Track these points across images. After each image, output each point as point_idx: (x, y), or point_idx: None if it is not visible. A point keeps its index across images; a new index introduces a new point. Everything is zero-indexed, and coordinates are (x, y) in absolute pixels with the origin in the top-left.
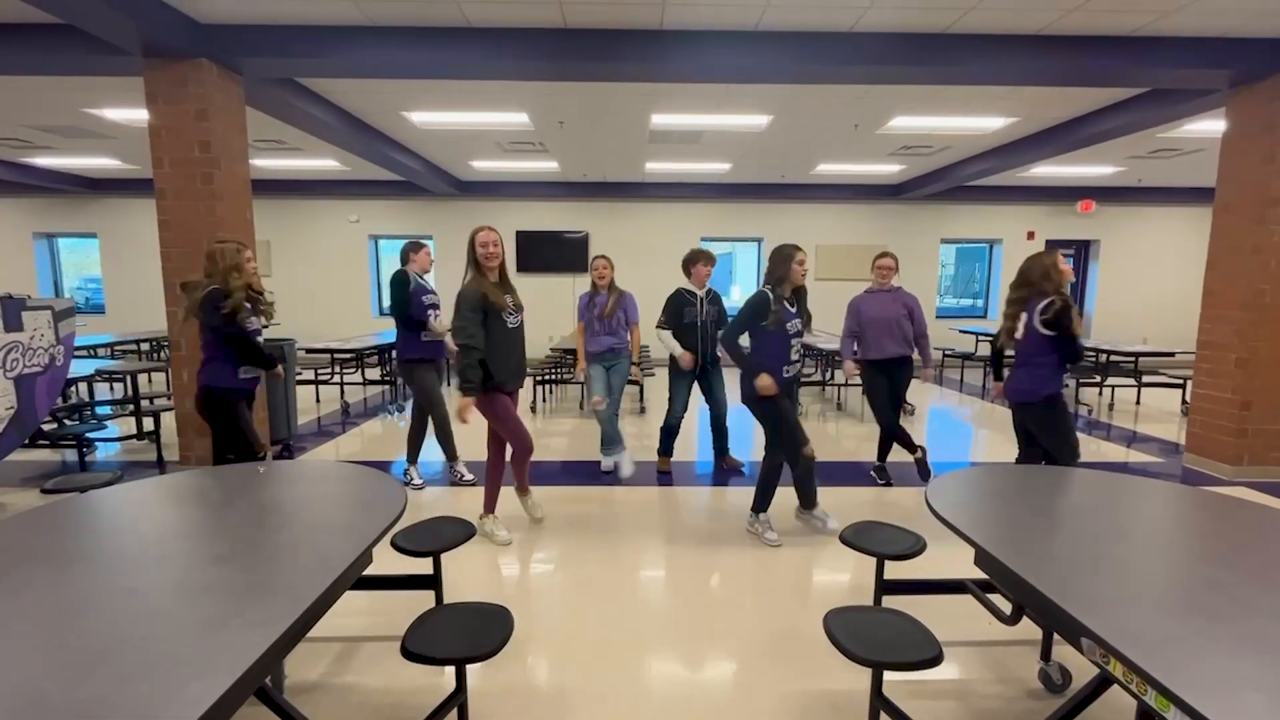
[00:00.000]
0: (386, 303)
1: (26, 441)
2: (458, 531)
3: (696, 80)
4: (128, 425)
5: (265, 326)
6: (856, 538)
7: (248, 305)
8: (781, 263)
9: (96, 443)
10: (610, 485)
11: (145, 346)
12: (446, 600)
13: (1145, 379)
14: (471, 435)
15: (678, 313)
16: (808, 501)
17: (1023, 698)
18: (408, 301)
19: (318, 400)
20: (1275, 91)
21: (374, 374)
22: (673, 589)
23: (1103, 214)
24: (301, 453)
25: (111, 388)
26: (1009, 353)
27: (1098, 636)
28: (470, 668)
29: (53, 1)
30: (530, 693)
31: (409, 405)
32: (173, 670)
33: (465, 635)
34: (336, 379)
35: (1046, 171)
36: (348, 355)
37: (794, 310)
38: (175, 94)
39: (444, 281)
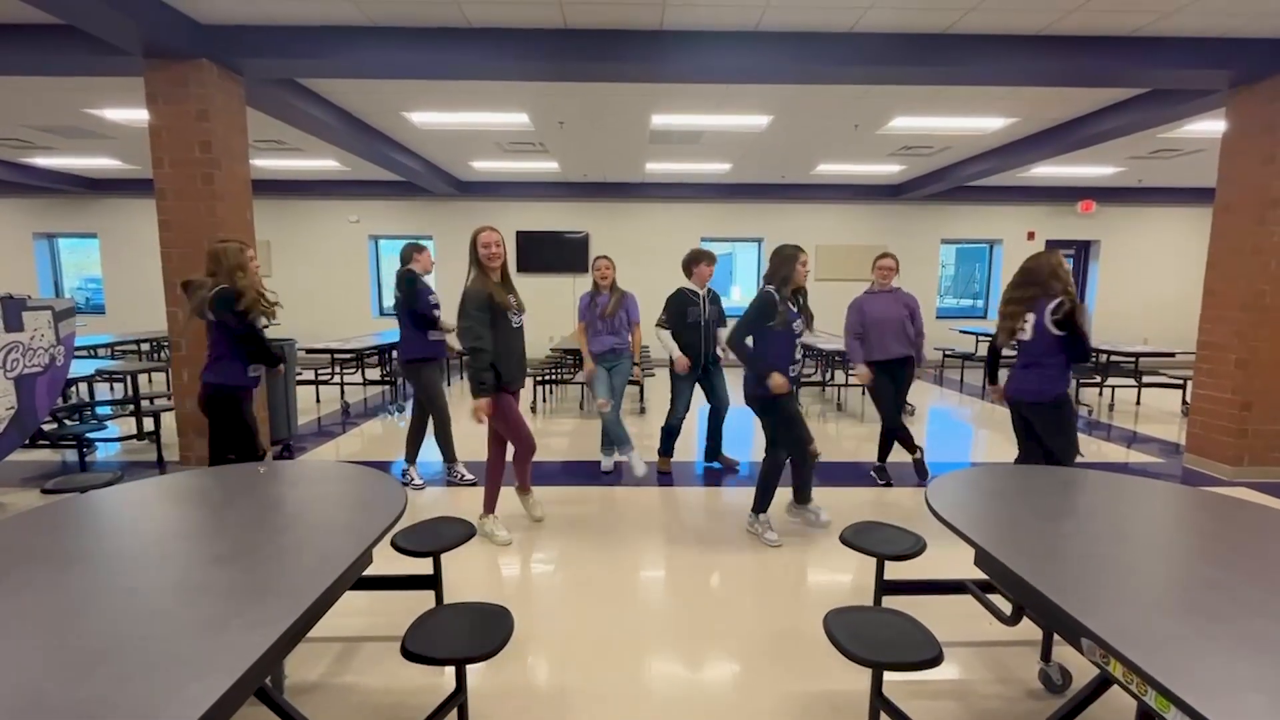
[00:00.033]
0: (389, 302)
1: (27, 441)
2: (458, 531)
3: (697, 80)
4: (128, 425)
5: (266, 326)
6: (856, 538)
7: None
8: (786, 263)
9: (97, 443)
10: (610, 485)
11: (145, 347)
12: (446, 600)
13: (1145, 379)
14: (471, 436)
15: (681, 312)
16: (804, 496)
17: (1023, 698)
18: (418, 296)
19: (318, 400)
20: (1275, 92)
21: (374, 374)
22: (673, 589)
23: (1103, 214)
24: (301, 453)
25: (112, 388)
26: (1006, 353)
27: (1098, 637)
28: (470, 668)
29: (53, 2)
30: (530, 693)
31: (409, 405)
32: (173, 670)
33: (465, 635)
34: (336, 379)
35: (1047, 172)
36: (348, 355)
37: (796, 310)
38: (176, 94)
39: (444, 282)
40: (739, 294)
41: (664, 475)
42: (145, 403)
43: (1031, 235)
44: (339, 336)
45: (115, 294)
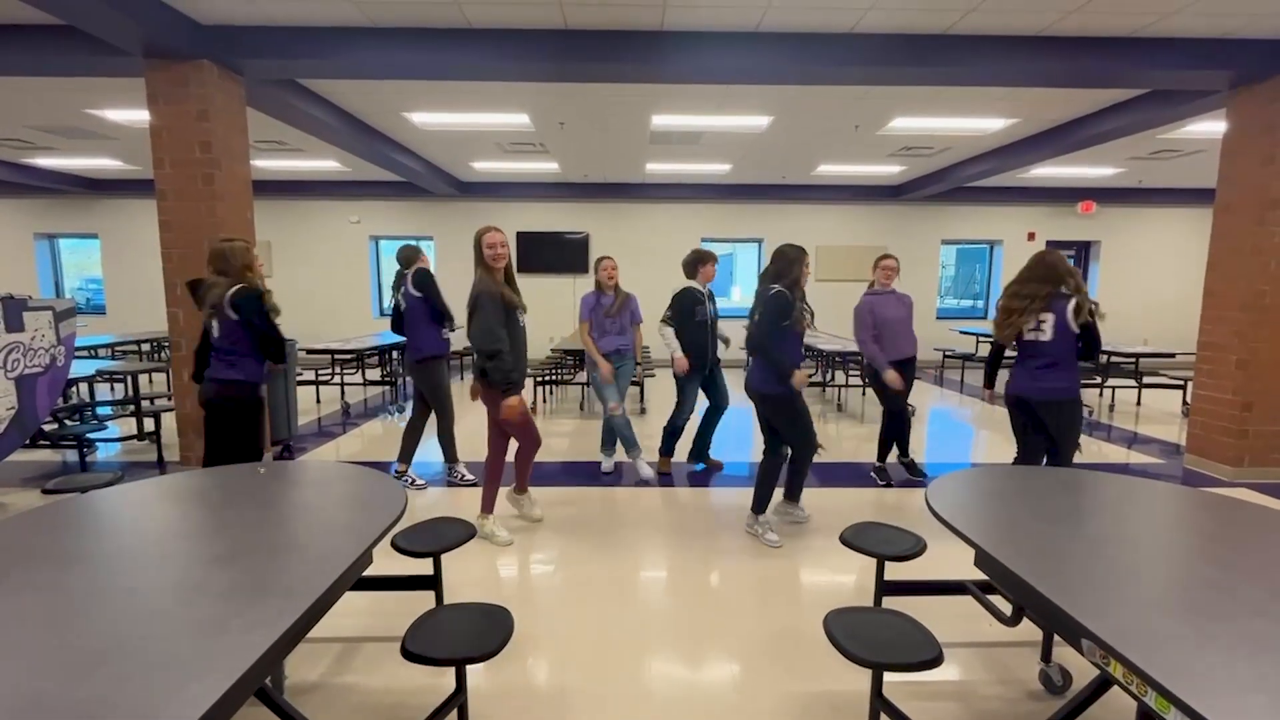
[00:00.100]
0: (390, 303)
1: (27, 442)
2: (458, 532)
3: (697, 81)
4: (128, 426)
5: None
6: (856, 538)
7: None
8: (794, 264)
9: (97, 443)
10: (610, 486)
11: (146, 347)
12: (446, 600)
13: (1146, 380)
14: (472, 436)
15: (689, 311)
16: (796, 494)
17: (1023, 699)
18: (439, 293)
19: (318, 401)
20: (1275, 93)
21: (374, 375)
22: (673, 589)
23: (1103, 215)
24: (302, 453)
25: (112, 388)
26: (1006, 353)
27: (1098, 638)
28: (470, 668)
29: (53, 2)
30: (530, 693)
31: (409, 405)
32: (173, 671)
33: (465, 635)
34: (337, 379)
35: (1047, 172)
36: (348, 356)
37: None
38: (176, 95)
39: (443, 282)
40: (739, 294)
41: (664, 475)
42: (146, 403)
43: (1032, 236)
44: (339, 337)
45: (116, 294)
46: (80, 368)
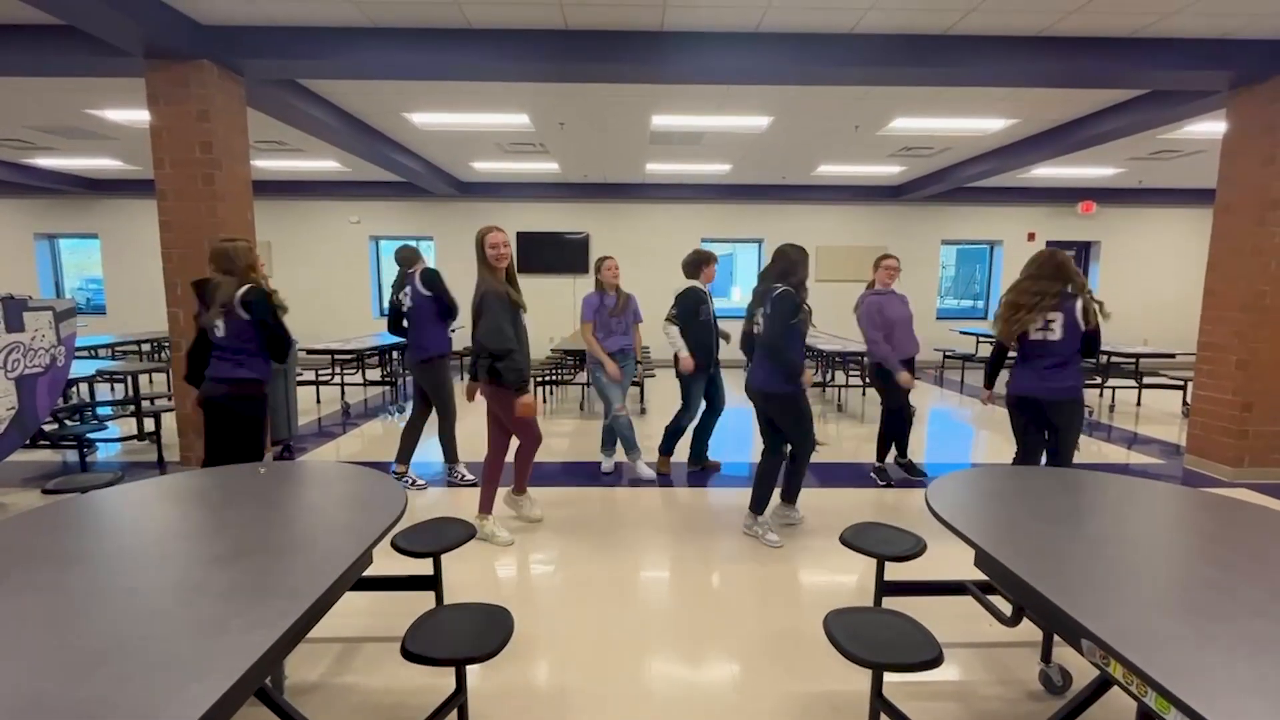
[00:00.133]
0: (392, 303)
1: (27, 442)
2: (458, 532)
3: (697, 82)
4: (128, 426)
5: None
6: (856, 538)
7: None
8: (798, 265)
9: (97, 443)
10: (610, 486)
11: (146, 347)
12: (447, 601)
13: (1146, 380)
14: (472, 436)
15: (694, 310)
16: (793, 497)
17: (1023, 699)
18: (447, 289)
19: (318, 401)
20: (1276, 93)
21: (374, 375)
22: (673, 589)
23: (1103, 215)
24: (302, 453)
25: (112, 388)
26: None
27: (1098, 638)
28: (470, 668)
29: (53, 2)
30: (530, 693)
31: (409, 405)
32: (173, 671)
33: (465, 636)
34: (337, 380)
35: (1047, 173)
36: (348, 356)
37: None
38: (176, 95)
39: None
40: (739, 294)
41: (663, 476)
42: (146, 403)
43: (1032, 236)
44: (339, 337)
45: (116, 294)
46: (80, 368)
